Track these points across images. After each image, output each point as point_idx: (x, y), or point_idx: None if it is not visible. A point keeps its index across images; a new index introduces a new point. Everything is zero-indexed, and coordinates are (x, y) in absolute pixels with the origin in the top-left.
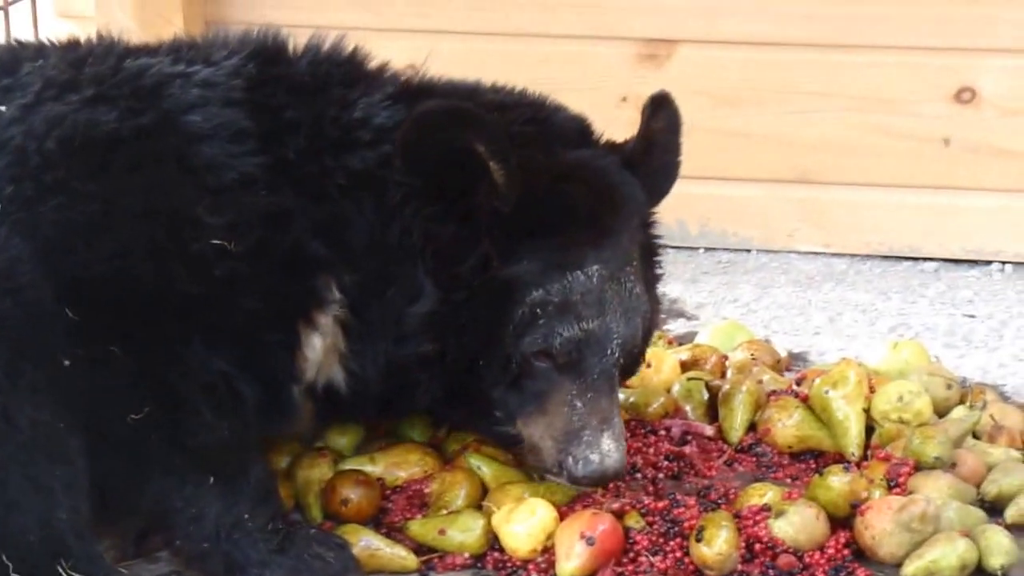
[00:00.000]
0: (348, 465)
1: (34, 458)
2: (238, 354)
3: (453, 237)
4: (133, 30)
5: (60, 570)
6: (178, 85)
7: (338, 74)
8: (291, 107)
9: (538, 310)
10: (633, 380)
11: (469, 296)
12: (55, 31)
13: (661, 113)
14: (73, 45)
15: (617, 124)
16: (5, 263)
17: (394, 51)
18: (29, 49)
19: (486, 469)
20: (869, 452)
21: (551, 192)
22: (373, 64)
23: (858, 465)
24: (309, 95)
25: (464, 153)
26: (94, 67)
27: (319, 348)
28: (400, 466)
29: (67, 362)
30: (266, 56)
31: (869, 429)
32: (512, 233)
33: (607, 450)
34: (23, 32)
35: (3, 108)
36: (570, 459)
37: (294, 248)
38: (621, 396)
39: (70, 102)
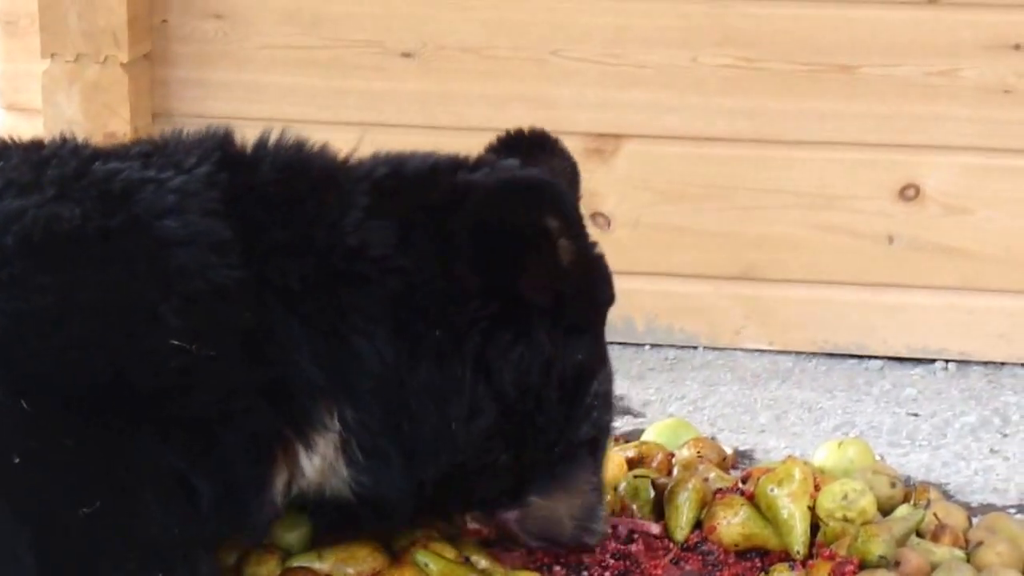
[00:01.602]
0: (296, 562)
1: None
2: (193, 452)
3: (511, 344)
4: (80, 122)
5: None
6: (151, 191)
7: (303, 185)
8: (273, 226)
9: (596, 401)
10: None
11: (537, 403)
12: (1, 123)
13: (550, 154)
14: (36, 145)
15: None
16: None
17: (342, 143)
18: None
19: (433, 566)
20: (814, 550)
21: (586, 274)
22: (324, 161)
23: (803, 563)
24: (284, 211)
25: (525, 235)
26: (58, 168)
27: (308, 468)
28: (348, 562)
29: (16, 459)
30: (232, 163)
31: (814, 527)
32: (565, 326)
33: (606, 517)
34: None
35: None
36: (585, 534)
37: (279, 368)
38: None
39: (30, 200)
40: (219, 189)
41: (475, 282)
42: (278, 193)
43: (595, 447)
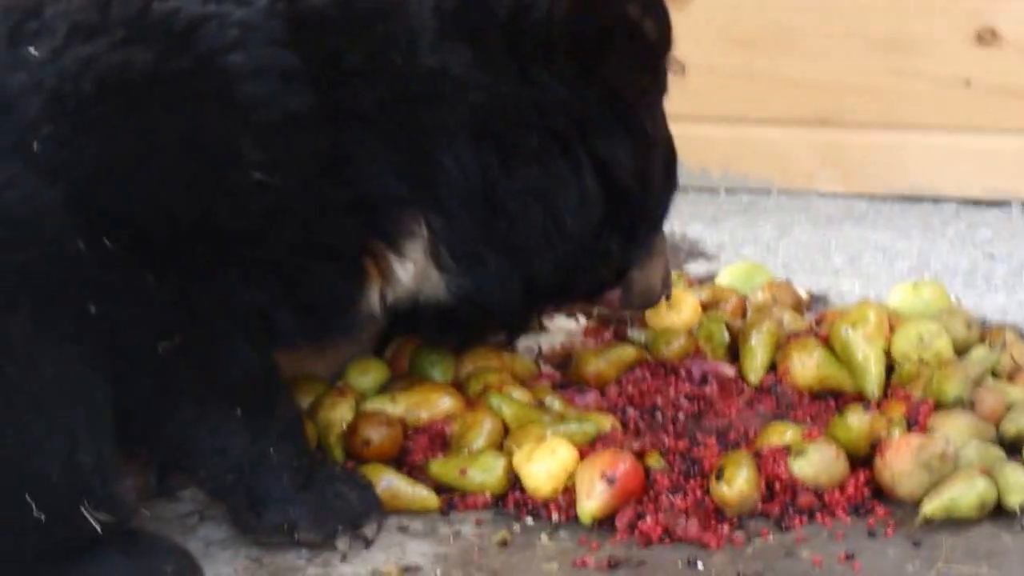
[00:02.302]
0: (370, 405)
1: (59, 403)
2: (276, 284)
3: (614, 133)
4: None
5: (83, 511)
6: (214, 27)
7: (367, 9)
8: (343, 51)
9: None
10: (653, 320)
11: (644, 187)
12: None
13: None
14: None
15: None
16: (33, 213)
17: None
18: None
19: (507, 410)
20: (889, 392)
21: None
22: None
23: (878, 405)
24: (352, 36)
25: (610, 25)
26: (121, 8)
27: (401, 274)
28: (422, 406)
29: (94, 306)
30: None
31: (889, 369)
32: (658, 105)
33: None
34: None
35: (33, 51)
36: (667, 291)
37: (361, 187)
38: (641, 337)
39: (100, 45)
40: (281, 19)
41: (566, 83)
42: (343, 19)
43: None
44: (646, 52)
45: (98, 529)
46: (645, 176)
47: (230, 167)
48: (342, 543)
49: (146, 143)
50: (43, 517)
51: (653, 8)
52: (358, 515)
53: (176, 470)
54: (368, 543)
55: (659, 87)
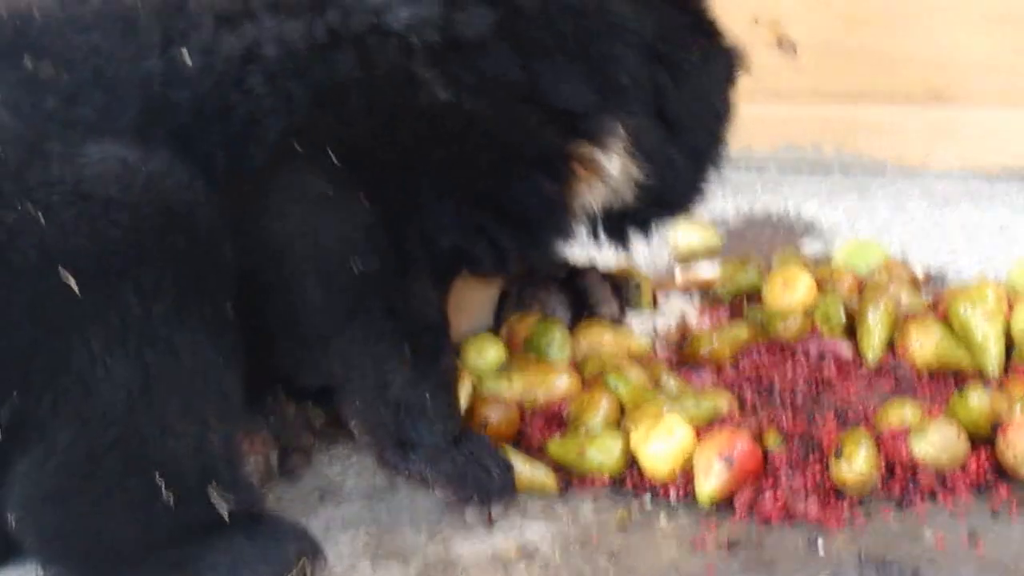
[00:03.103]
0: (486, 386)
1: (194, 389)
2: (495, 206)
3: None
4: None
5: (210, 492)
6: None
7: None
8: None
9: None
10: (769, 300)
11: None
12: None
13: None
14: None
15: (751, 45)
16: (184, 205)
17: None
18: None
19: (624, 389)
20: (1009, 370)
21: None
22: None
23: (998, 384)
24: None
25: None
26: None
27: (610, 168)
28: (538, 387)
29: (230, 306)
30: None
31: (1008, 347)
32: None
33: None
34: None
35: (187, 56)
36: None
37: (557, 100)
38: (756, 316)
39: (246, 34)
40: None
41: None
42: None
43: None
44: None
45: (224, 512)
46: None
47: (405, 89)
48: (469, 514)
49: (348, 79)
50: (172, 500)
51: None
52: (493, 491)
53: (328, 396)
54: (492, 522)
55: None
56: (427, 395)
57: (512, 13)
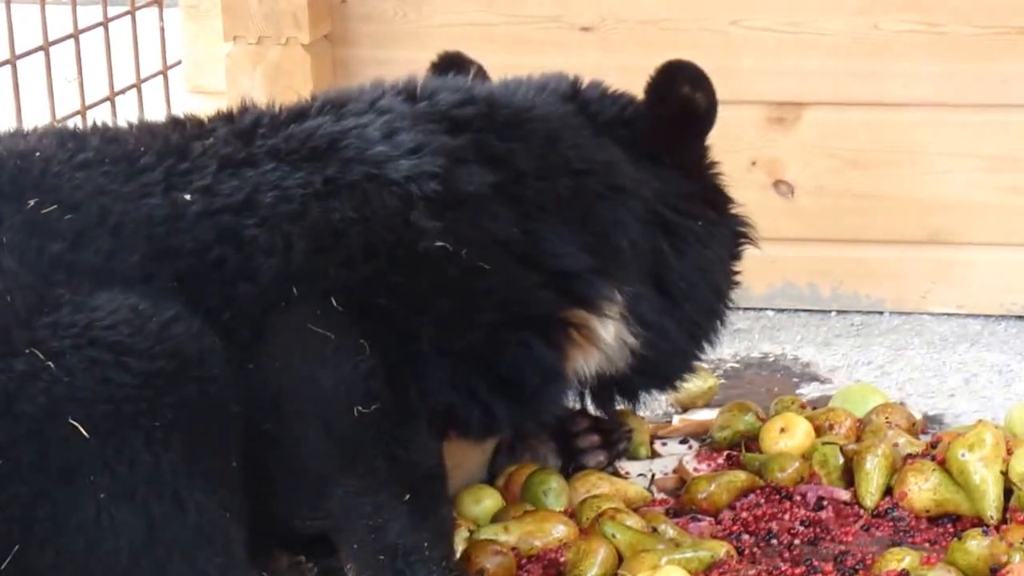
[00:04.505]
0: (483, 534)
1: (197, 544)
2: (489, 370)
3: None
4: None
5: None
6: (354, 135)
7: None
8: (516, 152)
9: None
10: (766, 446)
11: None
12: (187, 106)
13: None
14: (237, 115)
15: (749, 187)
16: (197, 352)
17: None
18: (191, 127)
19: (621, 536)
20: (1008, 515)
21: None
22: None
23: (997, 529)
24: (508, 136)
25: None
26: (265, 139)
27: (605, 335)
28: (535, 535)
29: (234, 462)
30: (411, 94)
31: (1007, 492)
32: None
33: None
34: (155, 108)
35: (188, 197)
36: None
37: (555, 262)
38: (754, 462)
39: (247, 178)
40: (427, 118)
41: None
42: (490, 118)
43: None
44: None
45: None
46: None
47: (403, 236)
48: None
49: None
50: None
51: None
52: None
53: (321, 547)
54: None
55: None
56: (425, 543)
57: (513, 172)
